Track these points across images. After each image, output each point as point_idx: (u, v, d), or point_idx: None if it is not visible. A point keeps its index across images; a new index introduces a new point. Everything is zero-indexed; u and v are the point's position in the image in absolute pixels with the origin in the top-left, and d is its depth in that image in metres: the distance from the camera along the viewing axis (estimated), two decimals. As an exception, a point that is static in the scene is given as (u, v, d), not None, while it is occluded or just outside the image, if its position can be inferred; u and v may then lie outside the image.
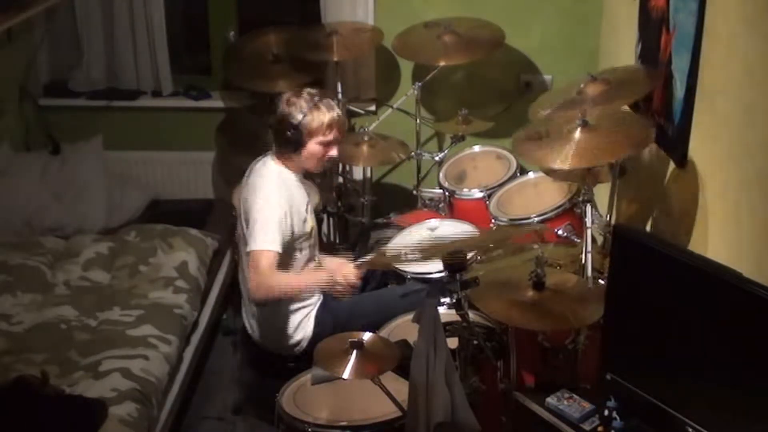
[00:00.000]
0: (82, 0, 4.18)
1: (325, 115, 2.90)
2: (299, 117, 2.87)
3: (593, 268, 2.76)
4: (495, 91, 4.20)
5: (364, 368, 2.32)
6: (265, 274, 2.76)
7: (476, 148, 3.87)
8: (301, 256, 2.98)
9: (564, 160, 2.61)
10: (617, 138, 2.69)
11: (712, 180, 2.59)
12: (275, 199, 2.86)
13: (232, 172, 3.99)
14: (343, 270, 2.85)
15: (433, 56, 3.78)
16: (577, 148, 2.62)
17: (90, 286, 3.50)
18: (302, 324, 2.99)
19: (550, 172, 3.08)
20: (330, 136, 2.92)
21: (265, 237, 2.79)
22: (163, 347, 3.10)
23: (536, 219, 3.20)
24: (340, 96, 3.88)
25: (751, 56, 2.28)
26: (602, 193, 3.17)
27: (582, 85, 2.86)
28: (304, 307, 2.99)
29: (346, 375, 2.31)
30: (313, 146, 2.92)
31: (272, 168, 2.95)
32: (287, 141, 2.90)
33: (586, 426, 2.32)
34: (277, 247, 2.79)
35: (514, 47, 4.09)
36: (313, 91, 2.95)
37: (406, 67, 4.20)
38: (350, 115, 4.16)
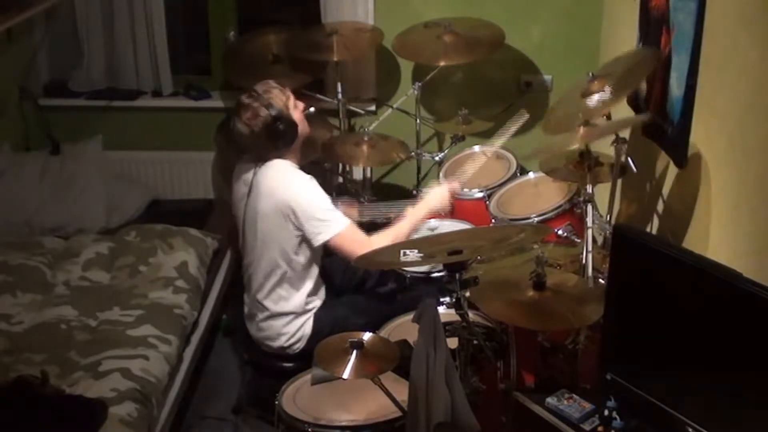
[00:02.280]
0: (82, 0, 4.19)
1: (272, 88, 2.96)
2: (272, 110, 2.90)
3: (593, 268, 2.76)
4: (495, 91, 4.20)
5: (364, 368, 2.31)
6: (364, 246, 2.77)
7: (476, 148, 3.87)
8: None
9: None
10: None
11: (712, 180, 2.59)
12: (312, 185, 2.92)
13: (232, 172, 3.99)
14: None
15: (433, 56, 3.77)
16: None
17: (90, 286, 3.50)
18: (301, 324, 2.99)
19: (550, 172, 3.08)
20: (291, 95, 3.01)
21: (335, 219, 2.89)
22: (163, 347, 3.10)
23: (536, 219, 3.20)
24: (339, 96, 3.88)
25: (751, 56, 2.28)
26: (602, 193, 3.16)
27: (585, 87, 2.85)
28: (302, 306, 2.99)
29: (346, 375, 2.31)
30: (297, 115, 3.00)
31: (282, 163, 2.96)
32: (284, 132, 2.93)
33: (586, 426, 2.32)
34: (347, 220, 2.90)
35: (514, 47, 4.09)
36: (243, 95, 2.97)
37: (406, 67, 4.20)
38: (350, 115, 4.16)
